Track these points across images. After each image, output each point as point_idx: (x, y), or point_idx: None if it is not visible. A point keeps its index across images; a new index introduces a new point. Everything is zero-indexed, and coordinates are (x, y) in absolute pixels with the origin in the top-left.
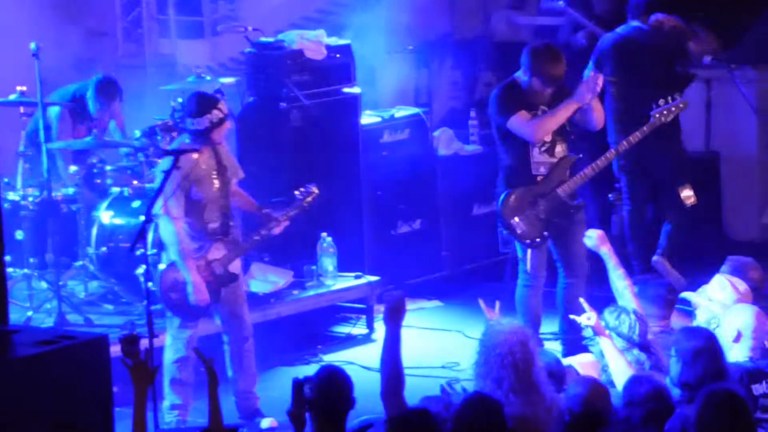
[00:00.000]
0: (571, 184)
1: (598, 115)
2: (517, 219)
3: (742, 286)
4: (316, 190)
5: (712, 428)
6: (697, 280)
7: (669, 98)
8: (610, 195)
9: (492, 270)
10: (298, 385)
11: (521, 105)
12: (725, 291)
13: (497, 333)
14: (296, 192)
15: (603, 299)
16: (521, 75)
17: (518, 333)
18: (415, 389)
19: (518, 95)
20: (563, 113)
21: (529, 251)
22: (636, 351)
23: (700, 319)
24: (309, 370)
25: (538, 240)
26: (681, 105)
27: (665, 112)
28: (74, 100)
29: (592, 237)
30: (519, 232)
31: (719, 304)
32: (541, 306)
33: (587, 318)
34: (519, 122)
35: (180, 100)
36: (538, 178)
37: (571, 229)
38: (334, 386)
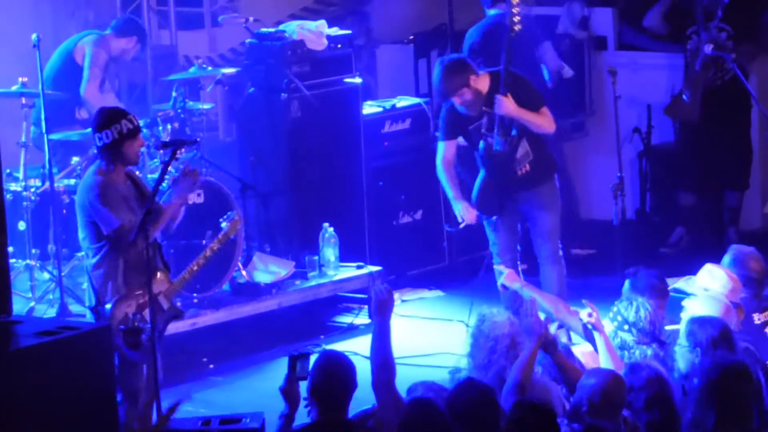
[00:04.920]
0: None
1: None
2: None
3: (733, 276)
4: (237, 220)
5: (719, 392)
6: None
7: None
8: (611, 185)
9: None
10: (292, 359)
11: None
12: (721, 281)
13: (498, 323)
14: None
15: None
16: None
17: (514, 323)
18: (417, 379)
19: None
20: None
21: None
22: (655, 346)
23: (693, 310)
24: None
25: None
26: None
27: None
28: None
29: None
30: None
31: (715, 294)
32: None
33: (588, 314)
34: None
35: (181, 90)
36: None
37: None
38: (337, 371)
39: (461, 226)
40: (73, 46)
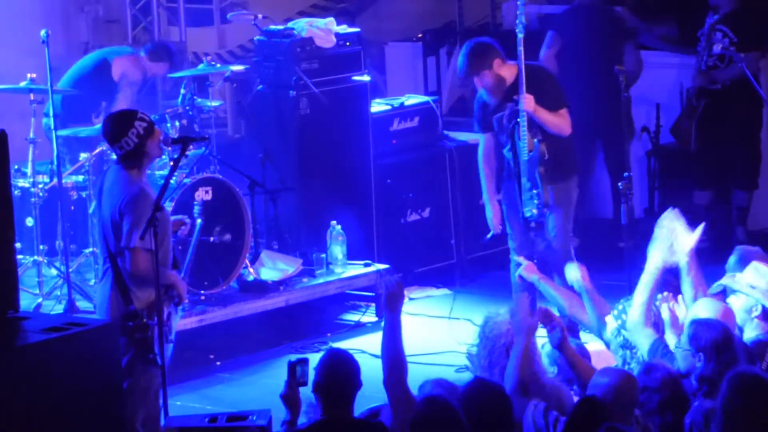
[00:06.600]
0: None
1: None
2: None
3: None
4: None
5: (738, 413)
6: (712, 270)
7: None
8: (619, 184)
9: (501, 258)
10: (292, 366)
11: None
12: (767, 277)
13: (498, 324)
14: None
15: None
16: None
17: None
18: (424, 377)
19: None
20: None
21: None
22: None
23: (737, 306)
24: (318, 357)
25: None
26: None
27: None
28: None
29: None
30: None
31: (761, 291)
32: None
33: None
34: None
35: (191, 87)
36: None
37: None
38: (341, 369)
39: (488, 236)
40: (113, 59)
